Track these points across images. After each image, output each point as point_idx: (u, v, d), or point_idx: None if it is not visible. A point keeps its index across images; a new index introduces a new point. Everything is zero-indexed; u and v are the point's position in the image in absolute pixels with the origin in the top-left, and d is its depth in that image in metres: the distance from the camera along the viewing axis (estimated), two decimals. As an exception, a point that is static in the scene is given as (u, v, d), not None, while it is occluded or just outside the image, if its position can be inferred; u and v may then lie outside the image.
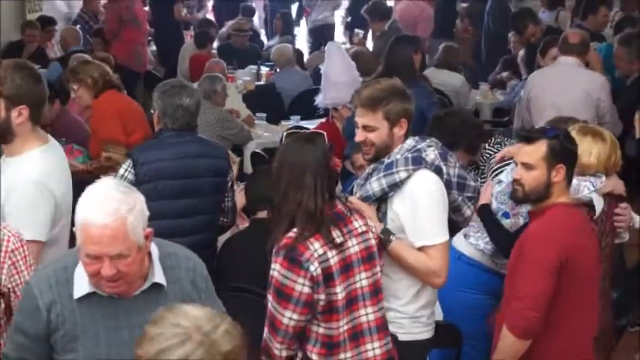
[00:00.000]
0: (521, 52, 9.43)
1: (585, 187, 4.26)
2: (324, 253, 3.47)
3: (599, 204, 4.26)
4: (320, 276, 3.45)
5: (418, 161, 3.89)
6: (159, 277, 3.01)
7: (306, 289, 3.43)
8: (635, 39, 7.31)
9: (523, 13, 9.51)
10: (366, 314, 3.61)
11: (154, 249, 3.02)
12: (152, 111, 4.86)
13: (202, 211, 4.76)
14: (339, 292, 3.51)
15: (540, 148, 3.90)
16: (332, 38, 13.30)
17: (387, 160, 3.92)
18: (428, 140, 4.02)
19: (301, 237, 3.47)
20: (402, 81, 6.17)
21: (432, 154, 3.94)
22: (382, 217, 3.90)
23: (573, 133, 4.30)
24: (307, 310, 3.46)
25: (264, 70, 10.72)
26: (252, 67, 10.73)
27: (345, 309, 3.55)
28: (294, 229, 3.49)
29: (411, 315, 3.93)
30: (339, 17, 14.69)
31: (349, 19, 14.33)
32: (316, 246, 3.47)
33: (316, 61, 10.41)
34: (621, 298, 4.76)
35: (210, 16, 14.05)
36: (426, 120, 6.31)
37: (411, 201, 3.86)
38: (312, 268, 3.43)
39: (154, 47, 11.99)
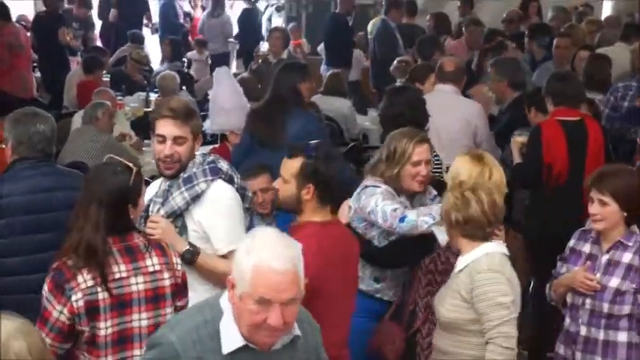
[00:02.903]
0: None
1: (424, 222, 4.31)
2: (94, 286, 3.44)
3: (441, 234, 4.26)
4: (82, 308, 3.41)
5: (215, 172, 4.07)
6: (297, 329, 2.94)
7: (63, 317, 3.40)
8: (498, 60, 7.48)
9: (429, 40, 9.72)
10: (141, 355, 3.45)
11: None
12: (2, 145, 4.64)
13: (59, 245, 4.63)
14: (103, 328, 3.45)
15: (295, 164, 3.95)
16: (228, 65, 13.41)
17: (184, 175, 4.04)
18: (213, 155, 4.21)
19: (74, 265, 3.45)
20: (289, 107, 6.38)
21: (224, 164, 4.14)
22: (181, 230, 4.01)
23: (457, 158, 4.44)
24: (60, 338, 3.41)
25: (153, 96, 10.68)
26: (141, 94, 10.68)
27: (113, 346, 3.48)
28: (70, 253, 3.48)
29: None
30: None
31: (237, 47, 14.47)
32: (87, 277, 3.44)
33: (206, 86, 10.44)
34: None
35: (98, 43, 13.96)
36: (314, 146, 6.43)
37: (213, 210, 4.02)
38: (73, 298, 3.41)
39: (38, 74, 11.82)
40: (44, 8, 12.22)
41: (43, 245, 4.42)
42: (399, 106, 5.58)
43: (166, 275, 3.59)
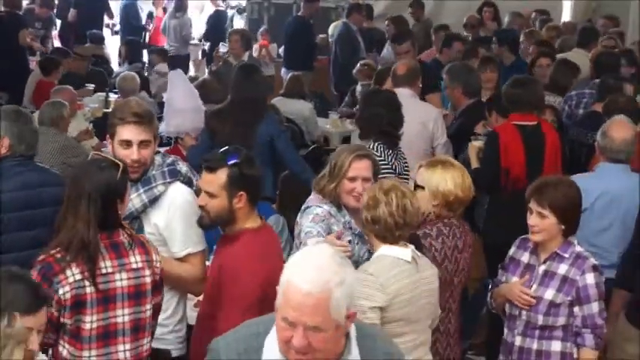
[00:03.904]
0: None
1: (365, 253, 4.32)
2: (82, 279, 3.48)
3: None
4: (69, 301, 3.45)
5: (174, 174, 4.07)
6: (355, 355, 2.79)
7: (51, 308, 3.39)
8: (452, 66, 7.51)
9: None
10: (124, 350, 3.60)
11: (352, 329, 2.79)
12: None
13: (48, 242, 4.66)
14: (89, 322, 3.50)
15: (221, 176, 3.88)
16: (185, 68, 13.39)
17: (142, 178, 4.03)
18: (172, 156, 4.19)
19: (62, 259, 3.48)
20: (251, 111, 6.38)
21: (184, 167, 4.13)
22: (138, 233, 3.96)
23: (422, 170, 4.49)
24: (49, 327, 3.39)
25: (112, 97, 10.62)
26: (101, 95, 10.61)
27: (97, 340, 3.53)
28: (59, 248, 3.50)
29: (172, 329, 4.07)
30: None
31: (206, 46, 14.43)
32: (75, 271, 3.48)
33: (163, 89, 10.40)
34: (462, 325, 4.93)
35: (57, 43, 13.86)
36: (274, 148, 6.45)
37: (171, 212, 4.02)
38: (61, 292, 3.45)
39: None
40: (3, 8, 12.09)
41: (34, 241, 4.44)
42: (376, 106, 5.61)
43: (147, 272, 3.65)
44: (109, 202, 3.56)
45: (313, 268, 2.64)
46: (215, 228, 4.04)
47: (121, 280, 3.57)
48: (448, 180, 4.46)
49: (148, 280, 3.66)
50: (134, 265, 3.62)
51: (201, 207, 3.95)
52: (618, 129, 5.29)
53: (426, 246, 4.38)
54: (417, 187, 4.51)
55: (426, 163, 4.62)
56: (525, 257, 4.39)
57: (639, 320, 4.61)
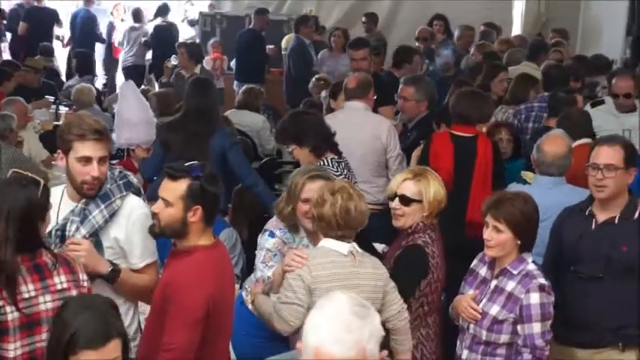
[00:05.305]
0: (323, 94, 9.67)
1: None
2: (2, 306, 3.37)
3: (379, 246, 4.39)
4: None
5: (128, 186, 4.07)
6: None
7: None
8: (421, 79, 7.63)
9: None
10: None
11: None
12: None
13: None
14: (12, 349, 3.39)
15: (181, 186, 3.83)
16: (142, 78, 13.31)
17: (100, 193, 4.00)
18: (119, 167, 4.20)
19: None
20: (204, 123, 6.36)
21: (134, 178, 4.14)
22: (96, 248, 3.96)
23: (410, 184, 4.52)
24: None
25: (63, 110, 10.53)
26: (51, 107, 10.51)
27: None
28: None
29: (131, 336, 4.00)
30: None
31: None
32: None
33: (115, 101, 10.33)
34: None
35: (7, 56, 13.70)
36: (227, 161, 6.43)
37: (130, 225, 4.00)
38: None
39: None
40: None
41: None
42: (315, 125, 5.60)
43: (74, 292, 3.53)
44: (30, 221, 3.45)
45: (341, 329, 2.54)
46: (164, 238, 4.01)
47: (45, 302, 3.45)
48: (440, 188, 4.56)
49: None
50: (59, 286, 3.50)
51: (154, 214, 3.91)
52: (551, 143, 5.35)
53: (429, 253, 4.46)
54: (409, 200, 4.52)
55: (410, 175, 4.62)
56: (483, 271, 4.40)
57: (571, 339, 4.63)
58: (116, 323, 3.03)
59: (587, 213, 4.62)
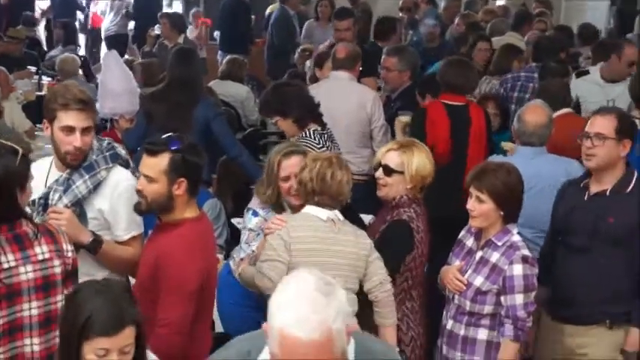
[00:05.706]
0: (308, 64, 9.65)
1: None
2: None
3: (366, 217, 4.41)
4: None
5: (115, 158, 4.06)
6: None
7: None
8: (404, 49, 7.60)
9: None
10: (31, 344, 3.45)
11: (351, 345, 2.63)
12: None
13: None
14: None
15: (162, 161, 3.80)
16: (125, 48, 13.22)
17: (84, 163, 3.99)
18: (107, 139, 4.18)
19: None
20: (188, 93, 6.34)
21: (122, 150, 4.13)
22: (80, 219, 3.95)
23: (394, 155, 4.51)
24: None
25: (45, 80, 10.47)
26: (33, 77, 10.46)
27: (3, 337, 3.39)
28: None
29: None
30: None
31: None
32: None
33: (98, 71, 10.28)
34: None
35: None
36: (211, 131, 6.41)
37: (115, 197, 3.99)
38: None
39: None
40: None
41: None
42: (299, 96, 5.58)
43: (57, 262, 3.51)
44: (8, 190, 3.39)
45: (305, 310, 2.43)
46: (151, 214, 3.99)
47: (27, 272, 3.41)
48: (427, 163, 4.52)
49: (58, 270, 3.49)
50: (40, 257, 3.46)
51: (138, 191, 3.88)
52: (532, 113, 5.35)
53: (414, 228, 4.46)
54: (391, 171, 4.52)
55: (395, 146, 4.61)
56: (470, 242, 4.41)
57: (560, 314, 4.65)
58: (130, 309, 2.99)
59: (581, 185, 4.62)
